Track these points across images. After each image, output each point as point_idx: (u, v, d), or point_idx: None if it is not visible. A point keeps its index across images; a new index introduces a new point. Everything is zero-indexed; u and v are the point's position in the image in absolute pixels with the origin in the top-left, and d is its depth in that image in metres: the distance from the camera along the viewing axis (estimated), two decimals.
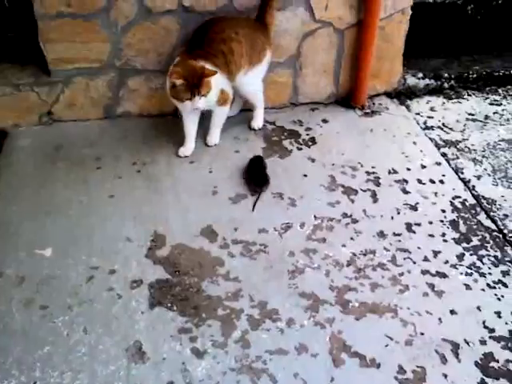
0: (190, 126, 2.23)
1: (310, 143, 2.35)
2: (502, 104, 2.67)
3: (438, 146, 2.35)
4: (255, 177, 2.12)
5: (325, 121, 2.49)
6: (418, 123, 2.50)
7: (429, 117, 2.55)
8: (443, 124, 2.50)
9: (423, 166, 2.23)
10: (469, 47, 2.97)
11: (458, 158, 2.29)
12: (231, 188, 2.08)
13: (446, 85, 2.75)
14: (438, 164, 2.25)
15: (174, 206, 1.99)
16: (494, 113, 2.60)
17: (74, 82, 2.29)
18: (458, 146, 2.36)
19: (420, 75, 2.72)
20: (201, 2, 2.21)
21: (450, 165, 2.25)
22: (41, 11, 2.11)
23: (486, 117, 2.57)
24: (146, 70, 2.33)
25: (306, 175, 2.17)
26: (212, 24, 2.14)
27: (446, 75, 2.75)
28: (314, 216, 1.98)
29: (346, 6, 2.35)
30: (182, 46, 2.23)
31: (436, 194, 2.10)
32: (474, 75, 2.79)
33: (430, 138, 2.40)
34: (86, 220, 1.91)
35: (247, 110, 2.47)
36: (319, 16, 2.35)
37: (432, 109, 2.61)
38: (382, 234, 1.91)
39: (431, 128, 2.47)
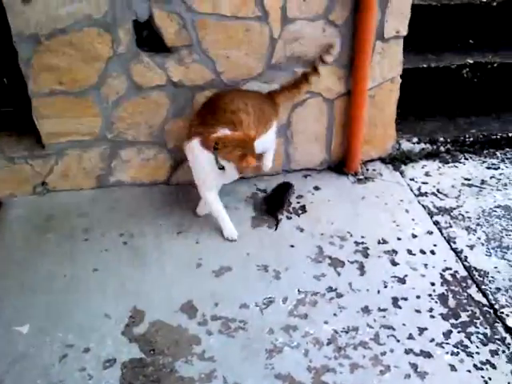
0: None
1: (300, 212, 2.33)
2: (499, 168, 2.62)
3: (430, 214, 2.31)
4: (273, 201, 2.34)
5: (317, 188, 2.48)
6: (412, 190, 2.46)
7: (423, 182, 2.52)
8: (438, 190, 2.46)
9: (414, 236, 2.19)
10: (466, 110, 2.97)
11: (451, 226, 2.24)
12: (216, 260, 2.07)
13: (442, 149, 2.73)
14: (430, 233, 2.20)
15: (157, 279, 1.98)
16: (491, 177, 2.55)
17: (67, 154, 2.35)
18: (451, 214, 2.31)
19: (415, 140, 2.71)
20: (189, 77, 2.27)
21: (442, 234, 2.20)
22: (34, 89, 2.19)
23: (483, 181, 2.52)
24: (137, 141, 2.38)
25: (293, 246, 2.14)
26: (221, 96, 2.17)
27: (441, 139, 2.73)
28: (298, 290, 1.94)
29: (335, 77, 2.38)
30: (193, 119, 2.19)
31: (426, 265, 2.04)
32: (471, 138, 2.76)
33: (423, 206, 2.36)
34: (67, 295, 1.91)
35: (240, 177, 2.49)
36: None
37: (427, 174, 2.58)
38: (366, 310, 1.86)
39: (425, 194, 2.43)
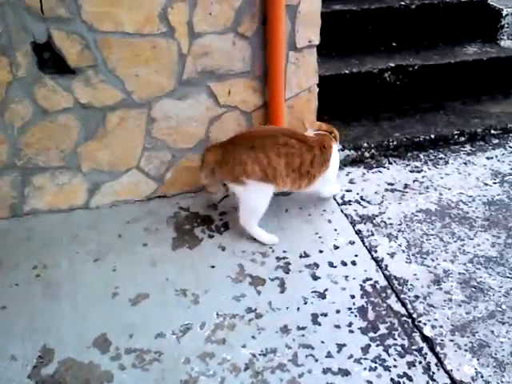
0: None
1: (223, 229, 2.28)
2: (422, 170, 2.64)
3: (353, 223, 2.30)
4: None
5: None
6: (335, 198, 2.45)
7: (347, 190, 2.51)
8: (361, 197, 2.46)
9: (336, 247, 2.17)
10: (390, 113, 2.99)
11: (372, 234, 2.23)
12: (133, 287, 1.99)
13: (366, 154, 2.73)
14: (352, 243, 2.19)
15: (70, 313, 1.89)
16: (414, 181, 2.57)
17: None
18: (374, 221, 2.31)
19: (339, 147, 2.69)
20: (98, 98, 2.19)
21: (363, 243, 2.19)
22: None
23: (406, 186, 2.53)
24: (49, 167, 2.28)
25: (213, 266, 2.09)
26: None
27: (365, 145, 2.73)
28: (217, 313, 1.89)
29: (250, 90, 2.35)
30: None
31: (347, 277, 2.02)
32: (395, 142, 2.77)
33: (345, 215, 2.35)
34: None
35: (162, 196, 2.44)
36: (223, 101, 2.34)
37: (351, 181, 2.57)
38: (285, 329, 1.82)
39: (348, 203, 2.42)
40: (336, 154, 2.30)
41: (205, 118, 2.36)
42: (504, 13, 3.28)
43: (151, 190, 2.45)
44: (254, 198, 2.11)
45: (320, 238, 2.22)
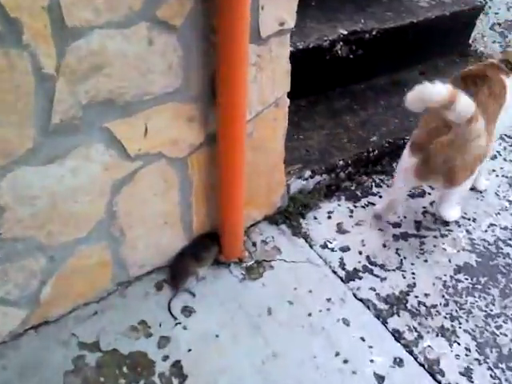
0: None
1: (179, 380, 1.26)
2: (425, 192, 1.83)
3: (380, 317, 1.43)
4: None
5: (186, 308, 1.41)
6: (334, 269, 1.54)
7: (342, 249, 1.60)
8: (368, 258, 1.59)
9: (380, 378, 1.29)
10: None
11: (420, 335, 1.39)
12: None
13: (342, 175, 1.84)
14: (399, 363, 1.33)
15: None
16: (424, 213, 1.76)
17: None
18: (407, 306, 1.46)
19: (307, 173, 1.75)
20: None
21: (415, 358, 1.34)
22: None
23: (418, 225, 1.72)
24: None
25: None
26: None
27: (341, 163, 1.82)
28: None
29: (182, 120, 1.27)
30: None
31: None
32: (376, 151, 1.90)
33: (362, 301, 1.46)
34: None
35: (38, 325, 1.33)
36: (136, 149, 1.24)
37: (340, 229, 1.67)
38: None
39: (356, 274, 1.53)
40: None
41: (104, 183, 1.24)
42: None
43: (18, 321, 1.31)
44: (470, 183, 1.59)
45: (346, 362, 1.32)
